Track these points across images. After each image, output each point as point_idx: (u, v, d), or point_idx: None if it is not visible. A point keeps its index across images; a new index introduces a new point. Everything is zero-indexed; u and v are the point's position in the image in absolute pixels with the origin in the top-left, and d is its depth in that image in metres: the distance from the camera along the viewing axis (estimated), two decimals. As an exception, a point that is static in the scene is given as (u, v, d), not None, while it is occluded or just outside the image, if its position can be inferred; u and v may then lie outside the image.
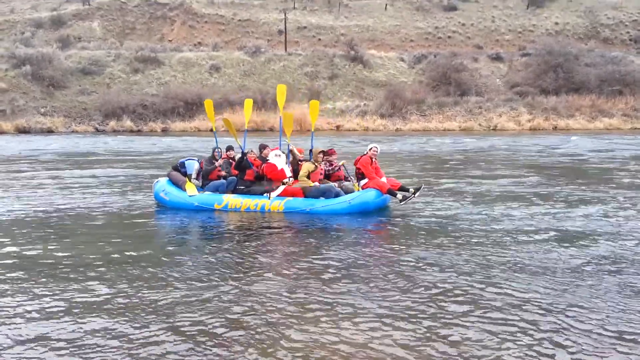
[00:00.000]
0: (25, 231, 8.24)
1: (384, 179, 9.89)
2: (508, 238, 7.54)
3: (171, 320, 4.74)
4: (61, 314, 4.91)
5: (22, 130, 38.47)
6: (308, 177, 9.80)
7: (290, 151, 10.45)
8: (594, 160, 18.80)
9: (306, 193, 9.73)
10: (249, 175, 10.11)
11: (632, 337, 4.36)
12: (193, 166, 10.44)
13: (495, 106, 44.11)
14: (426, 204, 10.24)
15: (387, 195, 9.79)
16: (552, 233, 7.77)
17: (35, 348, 4.28)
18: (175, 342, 4.33)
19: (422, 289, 5.48)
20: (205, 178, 10.36)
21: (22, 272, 6.12)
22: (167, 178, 10.54)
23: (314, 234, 8.12)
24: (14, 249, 7.18)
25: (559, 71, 46.17)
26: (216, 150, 10.56)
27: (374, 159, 10.01)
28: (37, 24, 59.32)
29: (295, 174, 10.04)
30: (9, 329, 4.62)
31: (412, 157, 20.67)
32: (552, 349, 4.17)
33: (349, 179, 10.41)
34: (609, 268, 6.09)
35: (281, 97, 11.13)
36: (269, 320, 4.74)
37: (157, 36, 59.59)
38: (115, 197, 11.26)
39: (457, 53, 51.01)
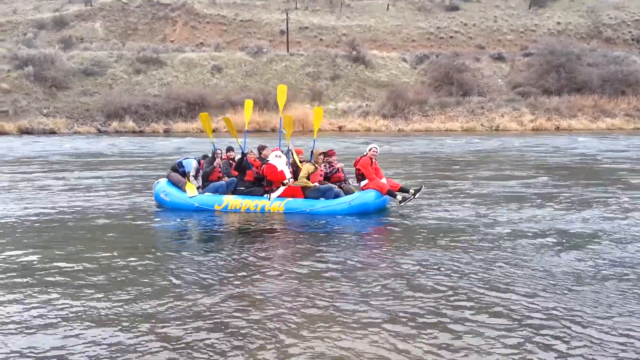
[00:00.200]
0: (21, 234, 8.22)
1: (383, 180, 9.89)
2: (511, 240, 7.49)
3: (170, 321, 4.73)
4: (57, 320, 4.85)
5: (25, 131, 38.54)
6: (308, 178, 9.80)
7: (290, 151, 10.45)
8: (606, 161, 18.65)
9: (306, 194, 9.73)
10: (248, 176, 10.11)
11: (635, 342, 4.32)
12: (191, 164, 10.43)
13: (497, 106, 44.10)
14: (427, 205, 10.22)
15: (387, 196, 9.78)
16: (557, 235, 7.69)
17: (31, 356, 4.24)
18: (174, 343, 4.32)
19: (422, 291, 5.45)
20: (205, 179, 10.37)
21: (15, 279, 5.98)
22: (167, 179, 10.55)
23: (314, 235, 8.12)
24: (8, 253, 7.09)
25: (561, 71, 46.10)
26: (217, 151, 10.56)
27: (373, 160, 10.01)
28: (40, 25, 59.46)
29: (295, 175, 10.05)
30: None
31: (413, 158, 20.65)
32: (553, 353, 4.14)
33: (348, 181, 10.39)
34: (613, 272, 6.00)
35: (282, 97, 11.13)
36: (269, 322, 4.73)
37: (159, 37, 59.68)
38: (117, 199, 11.26)
39: (459, 53, 51.01)
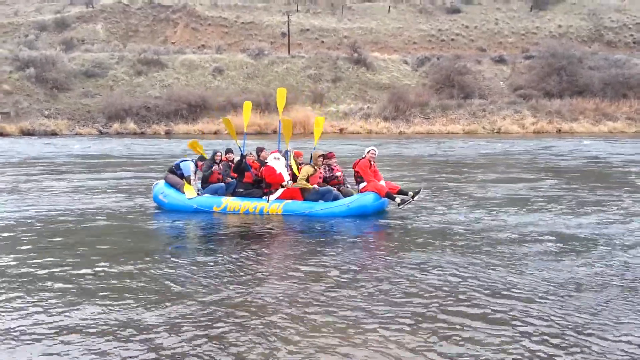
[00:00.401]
0: (19, 235, 8.22)
1: (382, 183, 9.86)
2: (511, 244, 7.46)
3: (170, 322, 4.72)
4: (55, 325, 4.85)
5: (26, 133, 38.56)
6: (307, 180, 9.78)
7: (289, 154, 10.43)
8: (618, 164, 18.55)
9: (305, 196, 9.72)
10: (247, 178, 10.10)
11: (635, 344, 4.29)
12: (189, 167, 10.42)
13: (498, 109, 44.04)
14: (426, 207, 10.20)
15: (386, 198, 9.76)
16: (558, 240, 7.61)
17: None
18: (171, 344, 4.31)
19: (420, 294, 5.43)
20: (205, 181, 10.35)
21: (11, 285, 5.91)
22: (165, 181, 10.54)
23: (313, 237, 8.10)
24: (4, 256, 7.05)
25: (563, 74, 46.03)
26: (217, 153, 10.56)
27: (372, 162, 9.98)
28: (41, 27, 59.52)
29: (294, 177, 10.03)
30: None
31: (415, 160, 20.64)
32: (554, 354, 4.13)
33: (347, 185, 10.36)
34: (615, 277, 5.94)
35: (281, 101, 11.15)
36: (268, 324, 4.71)
37: (161, 38, 59.71)
38: (117, 200, 11.26)
39: (461, 56, 50.95)
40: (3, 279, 6.02)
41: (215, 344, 4.35)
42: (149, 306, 5.13)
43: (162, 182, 10.59)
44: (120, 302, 5.22)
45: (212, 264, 6.58)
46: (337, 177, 10.17)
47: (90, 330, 4.59)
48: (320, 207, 9.49)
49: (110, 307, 5.09)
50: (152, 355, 4.18)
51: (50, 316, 4.94)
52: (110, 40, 57.93)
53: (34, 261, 6.68)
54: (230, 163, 10.72)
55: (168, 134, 40.52)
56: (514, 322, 4.68)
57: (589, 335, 4.47)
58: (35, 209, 10.17)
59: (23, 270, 6.32)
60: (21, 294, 5.49)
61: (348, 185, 10.32)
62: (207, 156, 10.60)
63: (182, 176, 10.40)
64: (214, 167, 10.35)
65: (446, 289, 5.56)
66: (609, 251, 7.01)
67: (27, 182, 14.08)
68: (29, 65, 44.00)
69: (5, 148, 26.95)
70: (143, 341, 4.39)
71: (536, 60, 49.21)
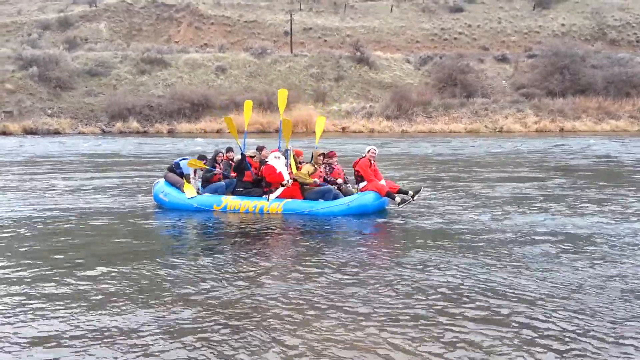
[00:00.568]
0: (19, 235, 8.26)
1: (382, 182, 9.89)
2: (514, 243, 7.43)
3: (169, 323, 4.75)
4: (54, 328, 4.86)
5: (29, 132, 38.63)
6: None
7: (289, 153, 10.46)
8: (629, 163, 18.47)
9: (305, 195, 9.75)
10: (247, 177, 10.14)
11: (636, 347, 4.30)
12: (188, 166, 10.46)
13: (501, 108, 43.95)
14: (427, 206, 10.20)
15: (386, 197, 9.78)
16: (562, 239, 7.57)
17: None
18: (171, 345, 4.34)
19: (421, 293, 5.44)
20: (206, 182, 10.38)
21: (6, 287, 5.83)
22: (165, 180, 10.58)
23: (313, 236, 8.12)
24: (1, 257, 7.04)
25: (565, 73, 45.89)
26: (219, 154, 10.59)
27: (372, 161, 10.00)
28: (44, 26, 59.59)
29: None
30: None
31: (422, 159, 20.63)
32: (555, 355, 4.14)
33: (347, 183, 10.37)
34: (617, 277, 5.92)
35: (282, 101, 11.19)
36: (268, 323, 4.74)
37: (164, 37, 59.72)
38: (120, 200, 11.29)
39: (463, 54, 50.80)
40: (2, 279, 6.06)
41: (215, 344, 4.37)
42: (148, 306, 5.16)
43: (162, 180, 10.63)
44: (120, 304, 5.24)
45: (212, 263, 6.61)
46: (337, 182, 10.16)
47: (88, 334, 4.59)
48: (321, 206, 9.53)
49: (109, 309, 5.11)
50: (152, 355, 4.21)
51: (46, 319, 4.90)
52: (114, 39, 57.97)
53: (31, 262, 6.65)
54: (230, 162, 10.76)
55: (171, 133, 40.56)
56: (514, 324, 4.68)
57: (592, 337, 4.45)
58: (36, 208, 10.21)
59: (20, 273, 6.28)
60: (16, 298, 5.43)
61: (349, 185, 10.34)
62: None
63: (181, 174, 10.43)
64: (216, 169, 10.39)
65: (446, 289, 5.55)
66: (614, 252, 6.94)
67: (32, 181, 14.14)
68: (32, 64, 44.03)
69: (12, 147, 27.03)
70: (143, 343, 4.41)
71: (539, 59, 49.08)
